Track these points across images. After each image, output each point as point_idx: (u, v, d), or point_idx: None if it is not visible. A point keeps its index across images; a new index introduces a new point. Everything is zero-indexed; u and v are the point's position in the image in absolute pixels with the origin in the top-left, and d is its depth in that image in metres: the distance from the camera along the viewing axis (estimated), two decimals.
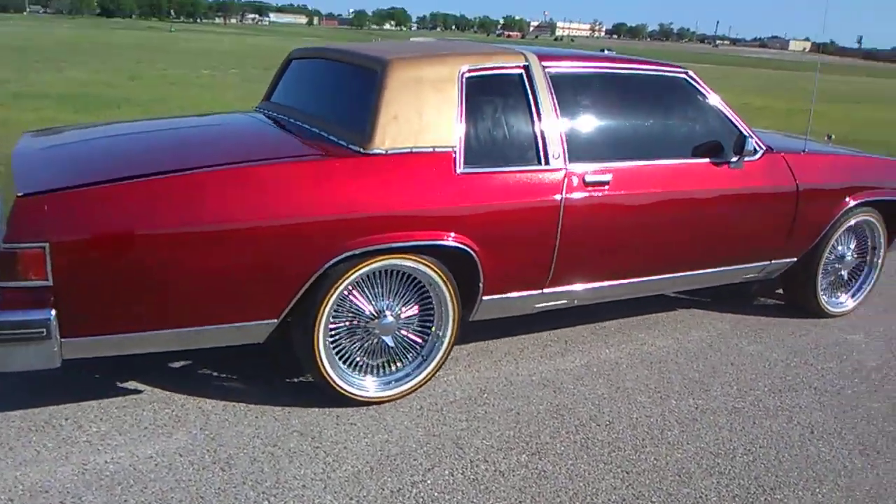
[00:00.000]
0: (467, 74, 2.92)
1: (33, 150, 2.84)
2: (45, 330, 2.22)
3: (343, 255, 2.60)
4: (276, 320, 2.62)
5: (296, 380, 3.05)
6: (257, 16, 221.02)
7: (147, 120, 3.86)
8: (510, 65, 3.04)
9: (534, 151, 2.99)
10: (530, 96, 3.02)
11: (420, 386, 2.95)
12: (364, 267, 2.68)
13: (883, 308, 4.27)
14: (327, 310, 2.67)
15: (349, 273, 2.66)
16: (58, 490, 2.26)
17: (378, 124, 2.73)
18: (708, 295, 4.28)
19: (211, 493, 2.30)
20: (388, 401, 2.89)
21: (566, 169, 3.02)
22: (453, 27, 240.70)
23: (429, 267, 2.81)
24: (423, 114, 2.80)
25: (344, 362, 2.81)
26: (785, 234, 3.68)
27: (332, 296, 2.66)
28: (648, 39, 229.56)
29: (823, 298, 4.01)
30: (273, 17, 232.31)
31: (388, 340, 2.87)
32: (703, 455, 2.66)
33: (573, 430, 2.78)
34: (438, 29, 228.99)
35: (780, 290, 4.26)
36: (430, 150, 2.79)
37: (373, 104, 2.76)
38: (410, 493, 2.36)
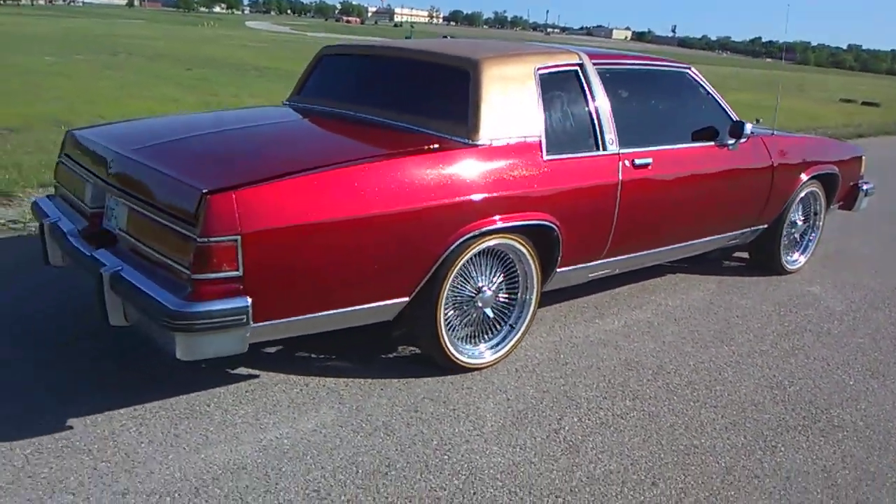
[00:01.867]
0: (541, 72, 3.27)
1: (146, 147, 2.85)
2: (244, 317, 2.34)
3: (466, 236, 2.87)
4: (408, 298, 2.85)
5: (391, 355, 3.27)
6: None
7: (203, 114, 3.82)
8: (569, 62, 3.41)
9: (594, 138, 3.39)
10: (587, 90, 3.41)
11: (514, 349, 3.28)
12: (477, 246, 2.96)
13: (821, 264, 5.09)
14: (447, 287, 2.94)
15: (465, 252, 2.93)
16: (254, 465, 2.39)
17: (481, 118, 3.01)
18: (684, 262, 4.89)
19: (392, 454, 2.52)
20: (487, 366, 3.19)
21: (619, 153, 3.45)
22: (289, 11, 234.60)
23: (522, 244, 3.13)
24: (514, 107, 3.12)
25: (454, 336, 3.08)
26: (763, 204, 4.34)
27: (451, 274, 2.93)
28: (485, 27, 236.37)
29: (784, 258, 4.74)
30: None
31: (489, 312, 3.17)
32: (761, 388, 3.21)
33: (651, 378, 3.23)
34: (273, 13, 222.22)
35: (746, 254, 4.95)
36: (523, 139, 3.11)
37: (473, 100, 3.03)
38: (558, 437, 2.71)
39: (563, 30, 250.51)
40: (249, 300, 2.35)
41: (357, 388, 2.95)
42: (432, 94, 3.29)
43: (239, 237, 2.32)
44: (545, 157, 3.16)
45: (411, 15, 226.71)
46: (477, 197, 2.89)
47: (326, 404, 2.81)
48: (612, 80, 3.55)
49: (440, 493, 2.34)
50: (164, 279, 2.42)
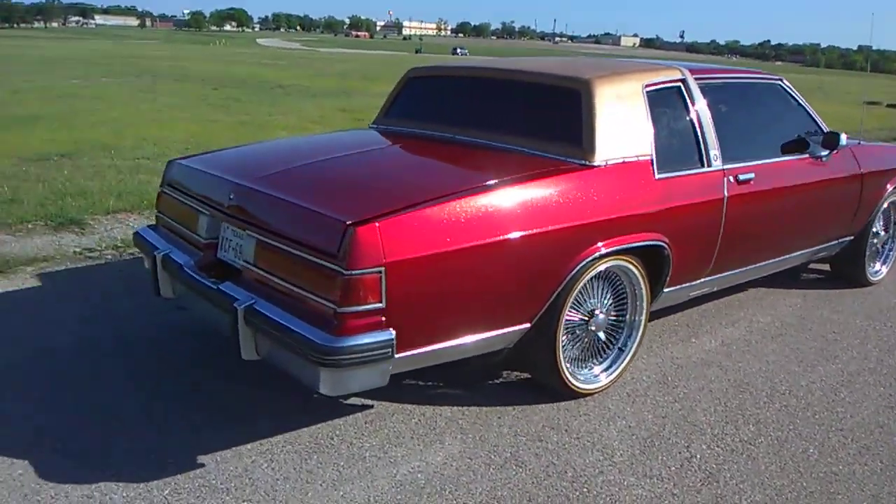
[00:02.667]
0: (648, 89, 3.21)
1: (265, 176, 2.82)
2: (390, 350, 2.29)
3: (588, 259, 2.81)
4: (529, 325, 2.80)
5: (497, 381, 3.21)
6: (81, 18, 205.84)
7: (304, 137, 3.80)
8: (672, 78, 3.36)
9: (698, 155, 3.33)
10: (690, 106, 3.36)
11: (624, 372, 3.22)
12: (595, 269, 2.90)
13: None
14: (565, 313, 2.88)
15: (584, 275, 2.88)
16: (394, 501, 2.34)
17: (596, 138, 2.96)
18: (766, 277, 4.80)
19: (531, 486, 2.46)
20: (601, 391, 3.12)
21: (724, 169, 3.38)
22: (297, 27, 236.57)
23: (634, 265, 3.07)
24: (625, 126, 3.07)
25: (565, 359, 3.02)
26: (852, 215, 4.26)
27: (570, 298, 2.87)
28: (494, 38, 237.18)
29: (868, 268, 4.65)
30: (99, 19, 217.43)
31: (601, 335, 3.11)
32: (881, 409, 3.12)
33: (768, 401, 3.15)
34: (282, 29, 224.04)
35: (825, 265, 4.85)
36: (636, 158, 3.06)
37: (586, 120, 2.98)
38: (692, 466, 2.63)
39: (571, 38, 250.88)
40: (394, 333, 2.30)
41: (475, 418, 2.89)
42: (542, 115, 3.24)
43: (383, 268, 2.27)
44: (657, 176, 3.10)
45: (420, 28, 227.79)
46: (596, 219, 2.84)
47: (449, 435, 2.76)
48: (711, 95, 3.49)
49: None
50: (304, 313, 2.37)
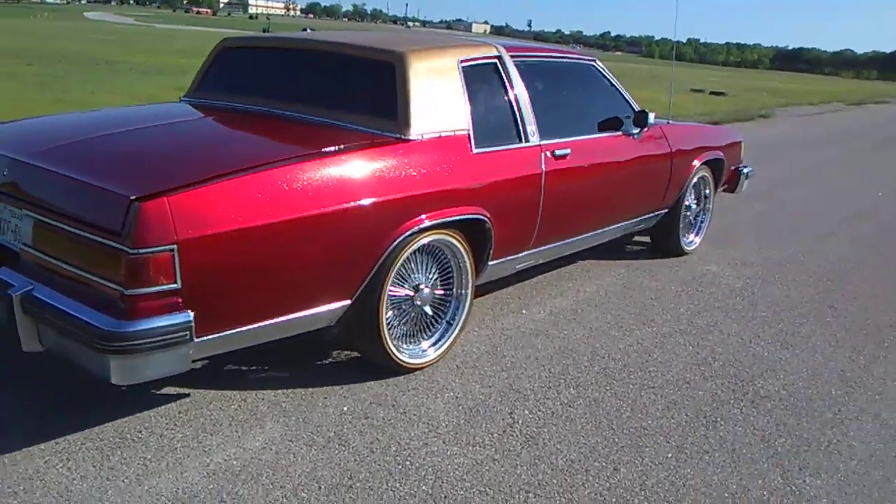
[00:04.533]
0: (463, 64, 3.23)
1: (46, 150, 2.55)
2: (188, 332, 2.15)
3: (407, 233, 2.79)
4: (349, 302, 2.74)
5: (325, 362, 3.13)
6: None
7: (96, 112, 3.49)
8: (489, 54, 3.40)
9: (516, 130, 3.39)
10: (507, 82, 3.41)
11: (452, 346, 3.24)
12: (416, 243, 2.89)
13: (710, 244, 5.39)
14: (388, 286, 2.85)
15: (405, 250, 2.85)
16: (205, 492, 2.21)
17: (411, 112, 2.93)
18: (593, 250, 5.03)
19: (352, 465, 2.41)
20: (429, 365, 3.13)
21: (541, 144, 3.47)
22: (130, 1, 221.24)
23: (456, 239, 3.09)
24: (441, 100, 3.06)
25: (392, 335, 2.99)
26: (665, 190, 4.54)
27: (392, 272, 2.84)
28: (345, 19, 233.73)
29: (682, 240, 4.98)
30: None
31: (427, 309, 3.11)
32: (691, 367, 3.34)
33: (588, 364, 3.29)
34: (113, 3, 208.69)
35: (647, 238, 5.15)
36: (452, 133, 3.06)
37: (401, 94, 2.95)
38: (514, 430, 2.69)
39: (424, 24, 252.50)
40: (191, 314, 2.16)
41: (299, 399, 2.80)
42: (356, 88, 3.18)
43: (175, 246, 2.12)
44: (475, 150, 3.13)
45: (267, 7, 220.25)
46: (413, 192, 2.81)
47: (270, 419, 2.65)
48: (527, 72, 3.56)
49: (410, 500, 2.26)
50: (89, 297, 2.18)
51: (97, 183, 2.26)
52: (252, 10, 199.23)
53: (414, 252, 2.95)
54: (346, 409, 2.76)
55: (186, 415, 2.64)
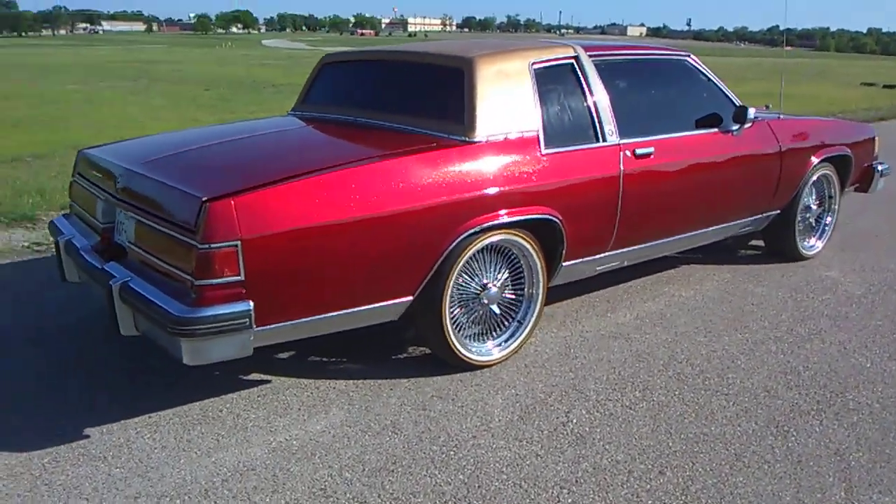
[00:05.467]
0: (535, 66, 3.28)
1: (151, 161, 2.92)
2: (247, 320, 2.38)
3: (465, 234, 2.89)
4: (411, 297, 2.88)
5: (402, 356, 3.29)
6: (88, 25, 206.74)
7: (204, 128, 3.92)
8: (564, 55, 3.42)
9: (593, 130, 3.39)
10: (584, 82, 3.42)
11: (523, 345, 3.29)
12: (479, 243, 2.98)
13: (839, 248, 5.02)
14: (451, 285, 2.95)
15: (467, 250, 2.95)
16: (262, 466, 2.43)
17: (476, 115, 3.03)
18: (699, 252, 4.85)
19: (398, 451, 2.54)
20: (496, 363, 3.20)
21: (620, 143, 3.44)
22: (304, 28, 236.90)
23: (525, 239, 3.14)
24: (509, 103, 3.13)
25: (461, 334, 3.10)
26: (774, 189, 4.30)
27: (455, 271, 2.94)
28: (498, 31, 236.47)
29: (800, 243, 4.68)
30: (107, 25, 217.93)
31: (495, 308, 3.18)
32: (776, 375, 3.17)
33: (662, 369, 3.21)
34: (288, 30, 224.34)
35: (755, 242, 4.90)
36: (520, 134, 3.12)
37: (468, 97, 3.06)
38: (565, 429, 2.70)
39: (577, 30, 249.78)
40: (252, 304, 2.40)
41: (367, 390, 2.98)
42: (429, 95, 3.32)
43: (239, 242, 2.36)
44: (543, 151, 3.17)
45: (424, 24, 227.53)
46: (474, 193, 2.91)
47: (336, 406, 2.85)
48: (609, 71, 3.55)
49: (445, 487, 2.35)
50: (171, 288, 2.47)
51: (180, 186, 2.56)
52: (411, 29, 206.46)
53: (479, 251, 3.04)
54: (407, 400, 2.89)
55: (264, 398, 2.89)
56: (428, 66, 3.36)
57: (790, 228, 4.58)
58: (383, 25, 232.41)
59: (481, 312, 3.15)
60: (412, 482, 2.37)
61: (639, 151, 3.49)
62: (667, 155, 3.62)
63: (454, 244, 2.87)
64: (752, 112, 3.94)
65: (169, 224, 2.51)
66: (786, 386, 3.07)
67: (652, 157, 3.54)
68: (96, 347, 3.28)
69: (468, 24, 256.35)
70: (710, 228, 4.08)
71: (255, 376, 3.07)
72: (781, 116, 4.44)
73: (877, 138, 5.12)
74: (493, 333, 3.24)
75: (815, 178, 4.59)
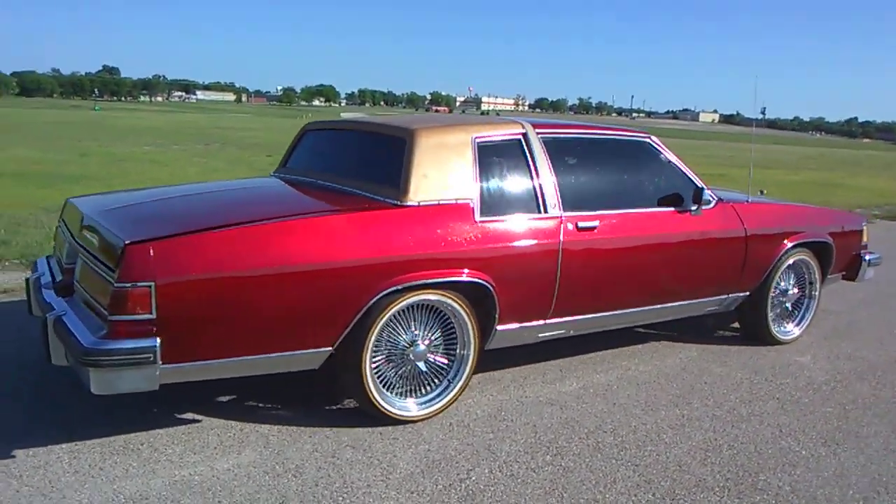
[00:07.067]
0: (478, 140, 3.48)
1: (108, 209, 3.21)
2: (152, 355, 2.58)
3: (388, 290, 3.04)
4: (331, 348, 3.03)
5: (334, 407, 3.42)
6: (184, 94, 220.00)
7: (186, 185, 4.26)
8: (511, 132, 3.61)
9: (535, 202, 3.54)
10: (528, 157, 3.59)
11: (449, 405, 3.37)
12: (403, 301, 3.13)
13: (823, 335, 4.94)
14: (373, 339, 3.10)
15: (391, 306, 3.10)
16: (156, 497, 2.58)
17: (410, 181, 3.23)
18: (674, 329, 4.85)
19: (291, 493, 2.65)
20: (423, 419, 3.29)
21: (562, 217, 3.57)
22: (382, 103, 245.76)
23: (455, 301, 3.27)
24: (446, 173, 3.33)
25: (384, 387, 3.22)
26: (738, 271, 4.31)
27: (377, 326, 3.09)
28: (572, 112, 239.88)
29: (773, 327, 4.64)
30: (200, 94, 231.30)
31: (422, 366, 3.30)
32: (696, 451, 3.16)
33: (584, 437, 3.24)
34: (367, 105, 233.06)
35: (737, 324, 4.88)
36: (454, 201, 3.30)
37: (405, 165, 3.27)
38: (460, 487, 2.77)
39: (649, 114, 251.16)
40: (158, 341, 2.59)
41: (288, 435, 3.11)
42: (377, 161, 3.55)
43: (153, 283, 2.58)
44: (478, 219, 3.33)
45: (496, 104, 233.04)
46: (400, 253, 3.07)
47: (251, 447, 2.99)
48: (560, 148, 3.71)
49: None
50: (93, 323, 2.71)
51: (113, 231, 2.82)
52: (484, 108, 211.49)
53: (407, 309, 3.19)
54: (322, 447, 3.01)
55: (188, 435, 3.06)
56: (380, 136, 3.61)
57: (761, 311, 4.55)
58: (457, 103, 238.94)
59: (409, 368, 3.27)
60: None
61: (581, 224, 3.61)
62: (613, 230, 3.72)
63: (374, 300, 3.02)
64: (707, 194, 4.02)
65: (100, 264, 2.76)
66: (701, 462, 3.05)
67: (596, 230, 3.65)
68: (48, 377, 3.53)
69: (540, 104, 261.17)
70: (667, 305, 4.11)
71: (188, 415, 3.24)
72: (750, 200, 4.49)
73: (865, 227, 5.08)
74: (423, 390, 3.34)
75: (790, 262, 4.58)
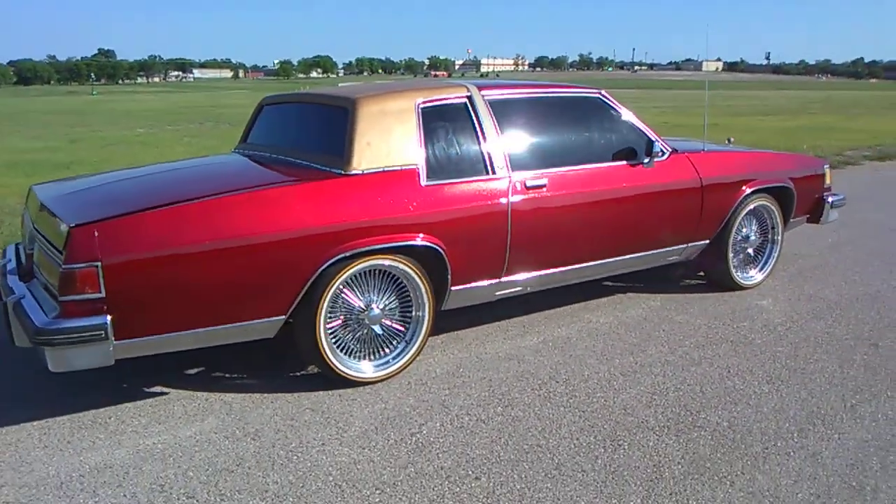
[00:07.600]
0: (422, 105, 3.55)
1: (62, 194, 3.32)
2: (103, 332, 2.71)
3: (335, 258, 3.15)
4: (284, 317, 3.15)
5: (299, 373, 3.55)
6: (181, 73, 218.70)
7: (147, 165, 4.35)
8: (456, 95, 3.68)
9: (482, 164, 3.62)
10: (474, 119, 3.66)
11: (407, 366, 3.50)
12: (353, 267, 3.23)
13: (788, 278, 5.03)
14: (326, 305, 3.21)
15: (341, 273, 3.21)
16: (119, 466, 2.72)
17: (354, 150, 3.32)
18: (640, 280, 4.95)
19: (248, 455, 2.80)
20: (381, 380, 3.42)
21: (510, 177, 3.65)
22: (380, 70, 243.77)
23: (406, 265, 3.38)
24: (390, 139, 3.40)
25: (342, 351, 3.34)
26: (695, 220, 4.39)
27: (328, 293, 3.20)
28: (572, 70, 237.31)
29: (736, 274, 4.73)
30: (197, 73, 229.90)
31: (377, 329, 3.42)
32: (643, 395, 3.28)
33: (537, 388, 3.37)
34: (365, 73, 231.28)
35: (701, 273, 4.97)
36: (399, 168, 3.39)
37: (348, 134, 3.35)
38: (410, 440, 2.90)
39: (651, 66, 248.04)
40: (108, 318, 2.71)
41: (250, 402, 3.25)
42: (323, 132, 3.63)
43: (99, 263, 2.70)
44: (424, 183, 3.41)
45: (495, 64, 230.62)
46: (344, 221, 3.17)
47: (214, 415, 3.13)
48: (505, 110, 3.78)
49: (271, 486, 2.59)
50: (48, 305, 2.83)
51: (61, 216, 2.93)
52: (483, 69, 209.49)
53: (358, 275, 3.29)
54: (282, 412, 3.15)
55: (154, 407, 3.20)
56: (325, 107, 3.69)
57: (722, 258, 4.63)
58: (456, 66, 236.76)
59: (365, 332, 3.39)
60: (243, 481, 2.62)
61: (530, 183, 3.69)
62: (562, 186, 3.80)
63: (323, 268, 3.13)
64: (658, 146, 4.09)
65: (52, 248, 2.88)
66: (646, 405, 3.18)
67: (545, 188, 3.73)
68: (18, 359, 3.68)
69: (540, 63, 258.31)
70: (624, 257, 4.20)
71: (156, 388, 3.39)
72: (705, 149, 4.54)
73: (827, 170, 5.13)
74: (381, 352, 3.47)
75: (750, 208, 4.65)
